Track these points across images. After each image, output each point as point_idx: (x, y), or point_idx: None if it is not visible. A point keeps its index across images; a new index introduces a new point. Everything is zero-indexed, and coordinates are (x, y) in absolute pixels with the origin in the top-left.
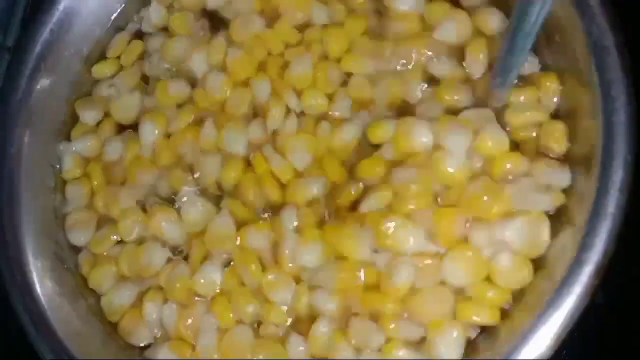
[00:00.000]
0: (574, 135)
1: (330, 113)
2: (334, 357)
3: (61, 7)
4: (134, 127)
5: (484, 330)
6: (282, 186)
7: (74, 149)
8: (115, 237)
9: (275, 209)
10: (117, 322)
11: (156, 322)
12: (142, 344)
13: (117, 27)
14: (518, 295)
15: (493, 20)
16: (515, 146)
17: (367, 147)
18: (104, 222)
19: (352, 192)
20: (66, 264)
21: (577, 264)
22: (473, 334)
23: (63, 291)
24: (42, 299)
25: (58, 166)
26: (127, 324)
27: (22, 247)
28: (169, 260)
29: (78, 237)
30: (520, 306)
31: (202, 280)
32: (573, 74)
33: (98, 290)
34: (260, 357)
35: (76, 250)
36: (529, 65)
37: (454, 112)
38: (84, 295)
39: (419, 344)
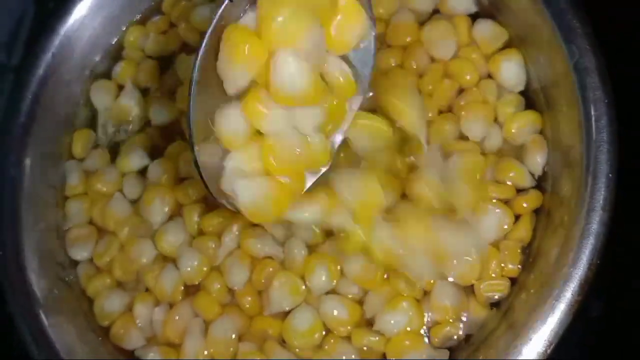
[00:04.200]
0: (558, 153)
1: None
2: None
3: (62, 31)
4: None
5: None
6: None
7: (80, 166)
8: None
9: None
10: (109, 328)
11: (146, 324)
12: (133, 349)
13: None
14: (505, 313)
15: None
16: None
17: None
18: (103, 235)
19: None
20: (67, 278)
21: (561, 280)
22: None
23: (63, 308)
24: (44, 317)
25: (59, 186)
26: (118, 329)
27: (24, 265)
28: (157, 259)
29: (79, 252)
30: (505, 322)
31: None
32: (556, 94)
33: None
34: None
35: (75, 264)
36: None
37: None
38: (82, 308)
39: None
